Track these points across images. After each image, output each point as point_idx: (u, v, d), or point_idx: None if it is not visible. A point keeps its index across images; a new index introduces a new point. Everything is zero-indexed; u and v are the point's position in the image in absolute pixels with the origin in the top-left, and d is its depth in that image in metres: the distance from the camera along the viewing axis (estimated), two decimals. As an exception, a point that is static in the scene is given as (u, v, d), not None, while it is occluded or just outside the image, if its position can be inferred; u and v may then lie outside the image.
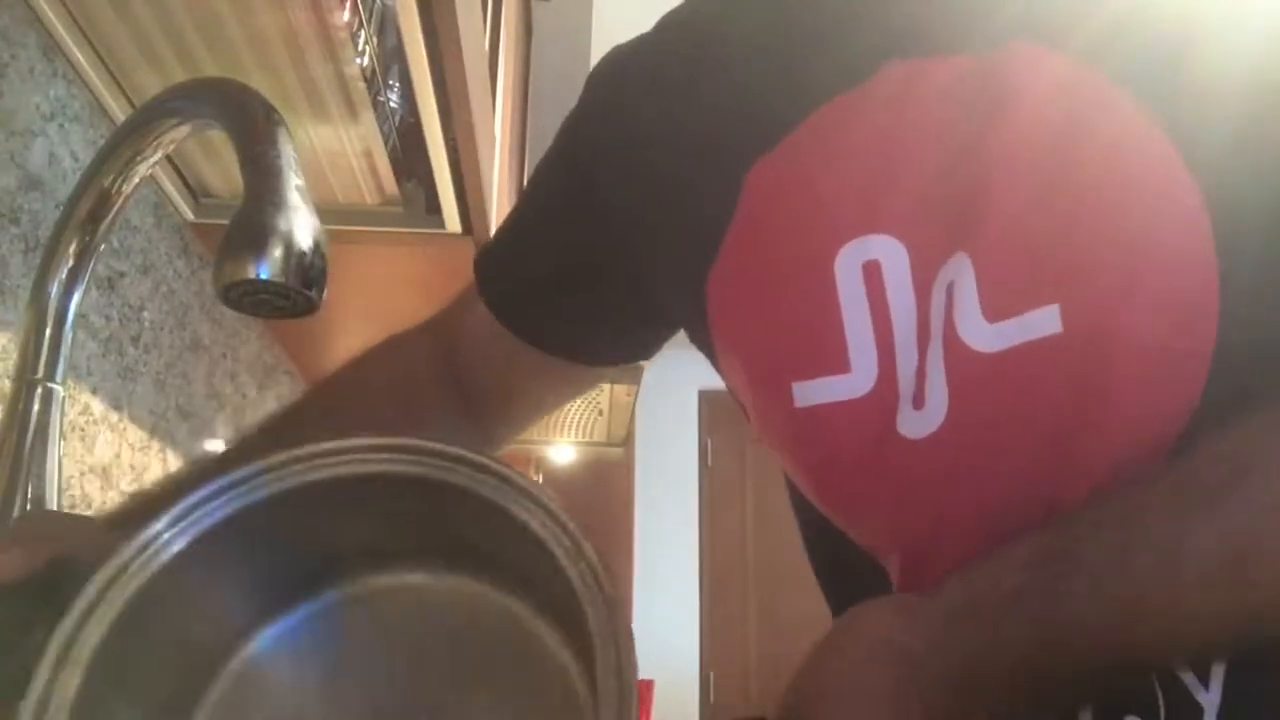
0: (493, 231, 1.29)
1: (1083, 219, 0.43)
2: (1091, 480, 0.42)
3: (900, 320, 0.46)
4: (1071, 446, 0.43)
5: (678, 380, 4.34)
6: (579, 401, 2.54)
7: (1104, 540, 0.39)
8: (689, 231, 0.55)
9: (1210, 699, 0.41)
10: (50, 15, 0.89)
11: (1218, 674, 0.41)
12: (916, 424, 0.46)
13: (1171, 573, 0.37)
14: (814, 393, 0.49)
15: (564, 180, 0.67)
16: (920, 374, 0.45)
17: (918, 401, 0.46)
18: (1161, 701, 0.41)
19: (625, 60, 0.68)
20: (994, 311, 0.43)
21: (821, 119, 0.50)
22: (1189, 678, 0.41)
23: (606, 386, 2.43)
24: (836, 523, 0.53)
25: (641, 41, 0.67)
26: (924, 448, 0.46)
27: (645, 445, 4.13)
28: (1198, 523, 0.37)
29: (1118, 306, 0.41)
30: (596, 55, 3.40)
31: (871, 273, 0.47)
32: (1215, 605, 0.37)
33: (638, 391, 2.45)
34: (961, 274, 0.44)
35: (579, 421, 2.66)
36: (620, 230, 0.61)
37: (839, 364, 0.48)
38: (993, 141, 0.45)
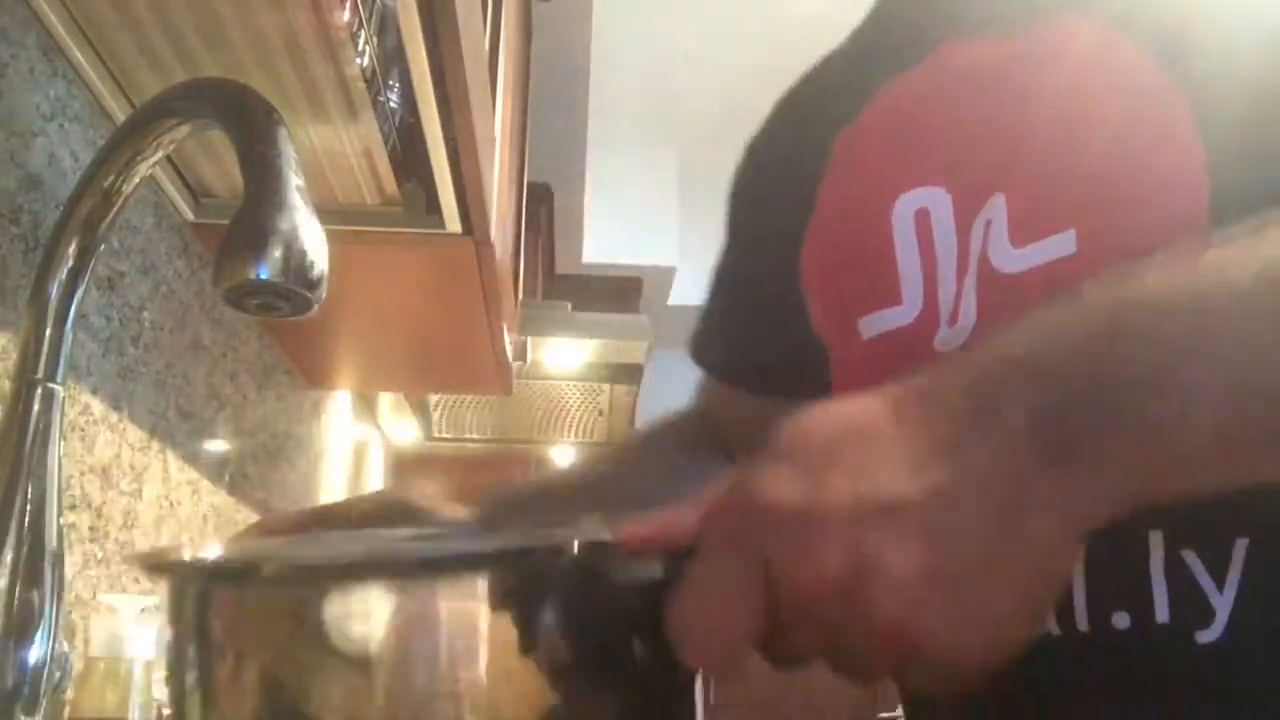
0: (493, 231, 1.30)
1: (1099, 159, 0.48)
2: None
3: (942, 256, 0.53)
4: None
5: (678, 380, 4.33)
6: (579, 401, 2.54)
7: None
8: (792, 201, 0.64)
9: (1223, 601, 0.43)
10: (50, 15, 0.89)
11: (1233, 579, 0.43)
12: (949, 339, 0.52)
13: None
14: (875, 324, 0.56)
15: (727, 248, 0.79)
16: (957, 298, 0.52)
17: (952, 320, 0.52)
18: (1166, 596, 0.44)
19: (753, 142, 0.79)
20: (1019, 238, 0.50)
21: (888, 93, 0.59)
22: (1204, 578, 0.43)
23: (606, 386, 2.44)
24: None
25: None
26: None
27: (645, 445, 4.13)
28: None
29: (1124, 229, 0.47)
30: (596, 55, 3.42)
31: (922, 218, 0.54)
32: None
33: (637, 392, 2.46)
34: (997, 211, 0.51)
35: (579, 422, 2.66)
36: (763, 240, 0.69)
37: (894, 297, 0.55)
38: (1029, 99, 0.52)
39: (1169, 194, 0.46)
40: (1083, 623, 0.47)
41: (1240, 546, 0.43)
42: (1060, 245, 0.48)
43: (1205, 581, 0.43)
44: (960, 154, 0.54)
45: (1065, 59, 0.51)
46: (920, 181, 0.55)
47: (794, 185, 0.64)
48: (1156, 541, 0.45)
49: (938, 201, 0.54)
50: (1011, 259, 0.50)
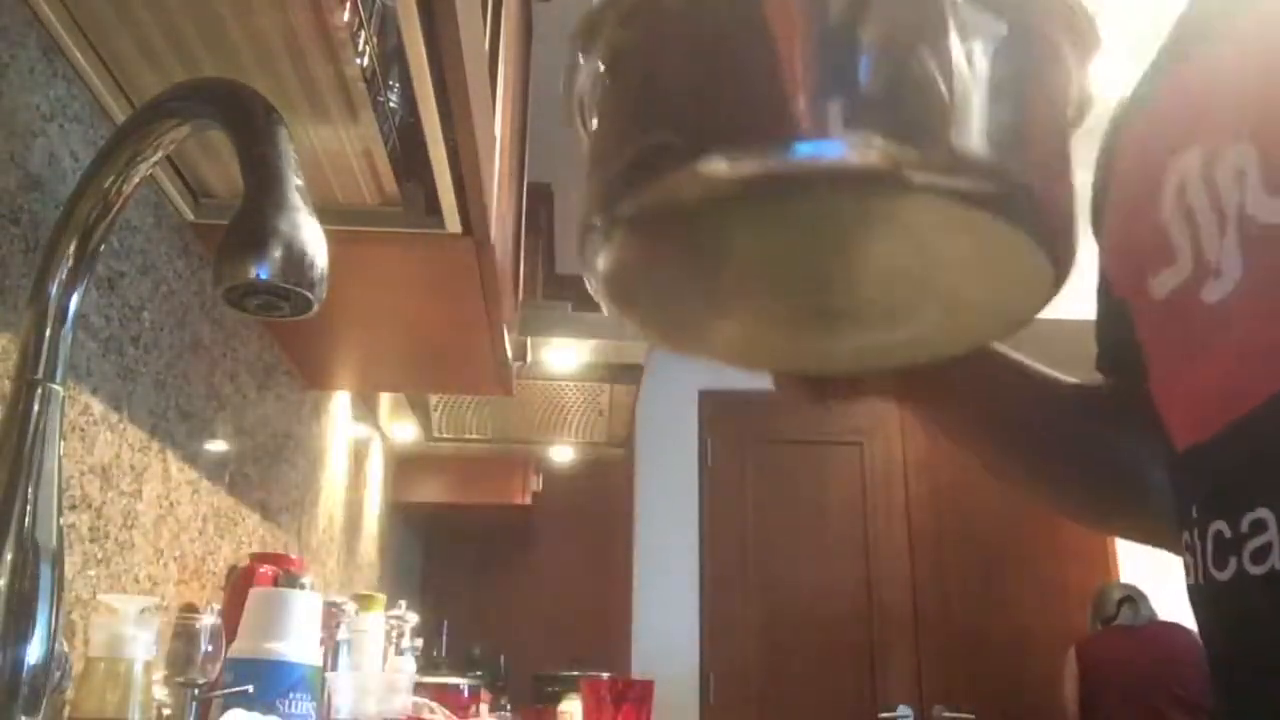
0: (493, 232, 1.29)
1: None
2: None
3: (1202, 212, 0.56)
4: None
5: (678, 380, 4.34)
6: (579, 401, 2.54)
7: None
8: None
9: None
10: (50, 16, 0.89)
11: None
12: (1215, 290, 0.54)
13: None
14: (1161, 285, 0.60)
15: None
16: (1219, 249, 0.54)
17: (1218, 271, 0.54)
18: None
19: None
20: (1272, 185, 0.51)
21: (1175, 70, 0.63)
22: None
23: (606, 386, 2.44)
24: (1166, 426, 0.62)
25: None
26: (1220, 308, 0.54)
27: (645, 445, 4.14)
28: None
29: None
30: (597, 53, 3.32)
31: (1184, 180, 0.57)
32: None
33: (638, 392, 2.46)
34: (1249, 162, 0.52)
35: (579, 422, 2.66)
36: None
37: (1170, 257, 0.58)
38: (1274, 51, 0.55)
39: None
40: None
41: None
42: None
43: None
44: (1213, 114, 0.57)
45: None
46: (1181, 145, 0.58)
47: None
48: None
49: (1190, 163, 0.57)
50: (1266, 207, 0.51)
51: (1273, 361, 0.51)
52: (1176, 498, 0.61)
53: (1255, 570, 0.50)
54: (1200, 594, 0.56)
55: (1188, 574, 0.58)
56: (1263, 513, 0.50)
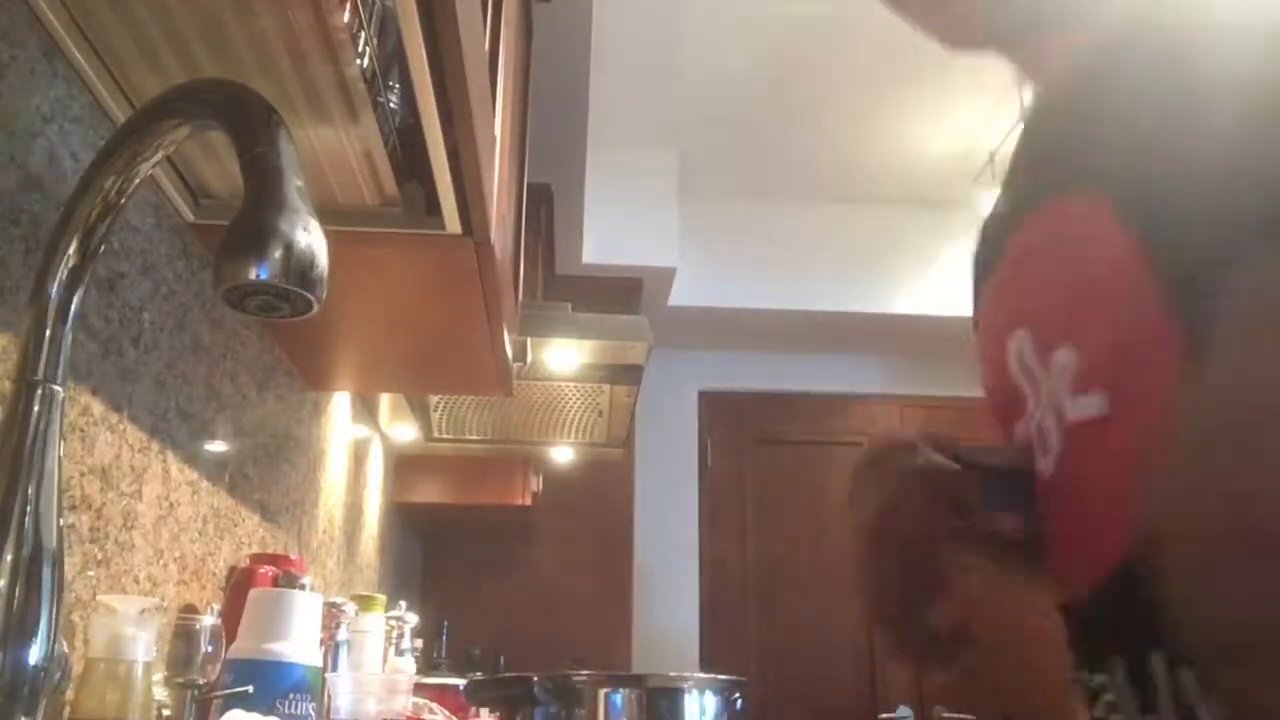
0: (493, 232, 1.29)
1: (1136, 329, 0.53)
2: (1112, 539, 0.54)
3: (1032, 386, 0.61)
4: (1098, 511, 0.56)
5: (678, 380, 4.34)
6: (579, 402, 2.54)
7: None
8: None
9: (1208, 710, 0.48)
10: (50, 16, 0.89)
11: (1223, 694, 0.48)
12: (1044, 463, 0.60)
13: None
14: (1019, 433, 0.65)
15: None
16: (1044, 430, 0.60)
17: (1044, 450, 0.60)
18: (1172, 709, 0.50)
19: None
20: (1075, 389, 0.56)
21: (1018, 238, 0.67)
22: (1195, 692, 0.49)
23: (606, 387, 2.43)
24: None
25: None
26: (1048, 485, 0.60)
27: (645, 445, 4.13)
28: None
29: (1147, 405, 0.52)
30: (596, 55, 3.40)
31: (1020, 354, 0.63)
32: None
33: (638, 392, 2.45)
34: (1068, 360, 0.57)
35: (579, 422, 2.66)
36: None
37: (1020, 414, 0.63)
38: (1068, 266, 0.60)
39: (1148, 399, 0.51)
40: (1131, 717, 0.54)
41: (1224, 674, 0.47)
42: (1095, 404, 0.54)
43: (1197, 696, 0.49)
44: (1039, 303, 0.62)
45: (1081, 238, 0.57)
46: (1020, 323, 0.63)
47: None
48: (1158, 660, 0.51)
49: (1025, 341, 0.62)
50: (1070, 405, 0.56)
51: (1089, 555, 0.56)
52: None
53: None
54: None
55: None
56: (1100, 678, 0.57)
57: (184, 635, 1.08)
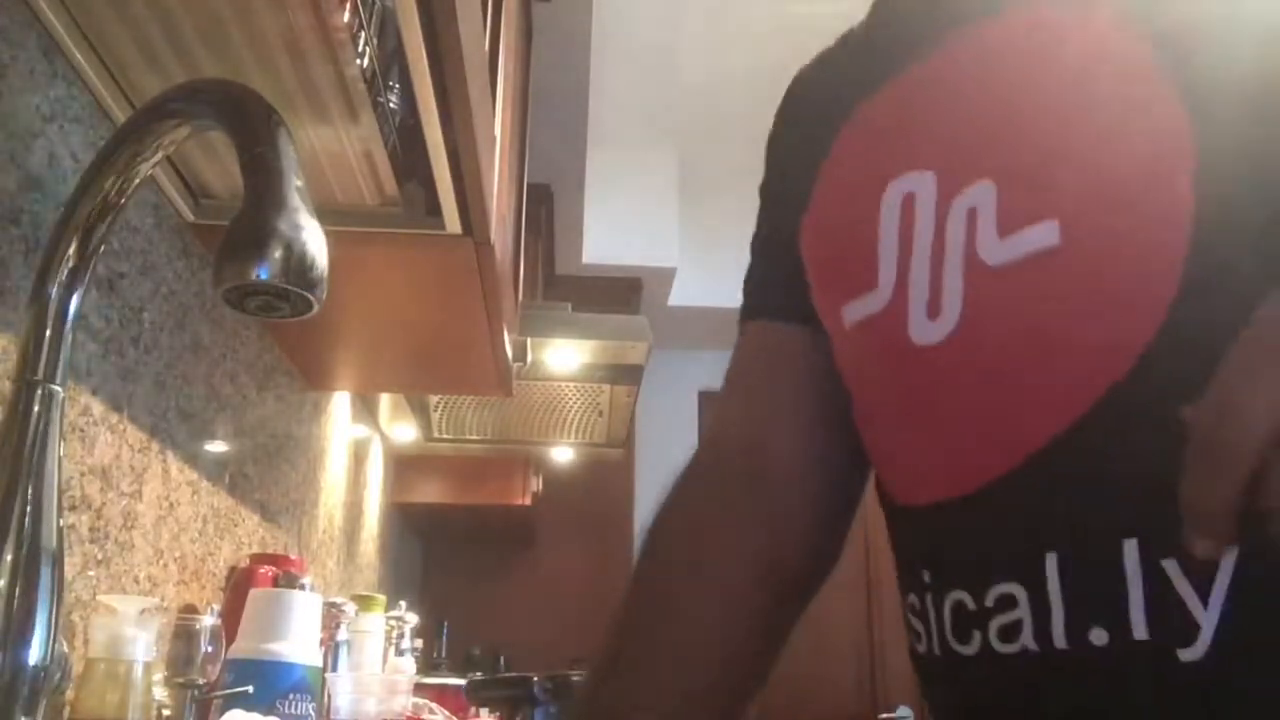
0: (493, 232, 1.29)
1: (1088, 150, 0.47)
2: (1081, 379, 0.45)
3: (920, 238, 0.51)
4: (1065, 352, 0.46)
5: (678, 380, 4.34)
6: (579, 402, 2.54)
7: None
8: (797, 187, 0.64)
9: (1208, 616, 0.40)
10: (50, 16, 0.88)
11: (1219, 591, 0.40)
12: (930, 331, 0.50)
13: None
14: (854, 311, 0.55)
15: (762, 190, 0.74)
16: (935, 286, 0.50)
17: (932, 311, 0.50)
18: (1144, 611, 0.41)
19: (799, 74, 0.76)
20: (1005, 228, 0.48)
21: (895, 86, 0.58)
22: (1186, 590, 0.40)
23: (606, 387, 2.43)
24: (880, 474, 0.57)
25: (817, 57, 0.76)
26: (935, 354, 0.50)
27: (645, 445, 4.13)
28: None
29: (1106, 226, 0.45)
30: (596, 55, 3.41)
31: (907, 203, 0.53)
32: None
33: (637, 392, 2.45)
34: (984, 198, 0.49)
35: (579, 423, 2.66)
36: (781, 204, 0.68)
37: (871, 282, 0.54)
38: (1023, 86, 0.50)
39: (1155, 195, 0.45)
40: (1060, 638, 0.44)
41: (1229, 555, 0.39)
42: (1043, 235, 0.46)
43: (1187, 593, 0.40)
44: (950, 137, 0.53)
45: (1064, 49, 0.49)
46: (910, 166, 0.53)
47: (798, 174, 0.63)
48: (1131, 549, 0.42)
49: (924, 184, 0.52)
50: (996, 250, 0.48)
51: (1013, 428, 0.47)
52: (898, 554, 0.56)
53: (1004, 649, 0.46)
54: (936, 665, 0.51)
55: (917, 640, 0.54)
56: (1010, 588, 0.46)
57: (184, 635, 1.08)
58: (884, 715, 4.00)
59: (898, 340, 0.51)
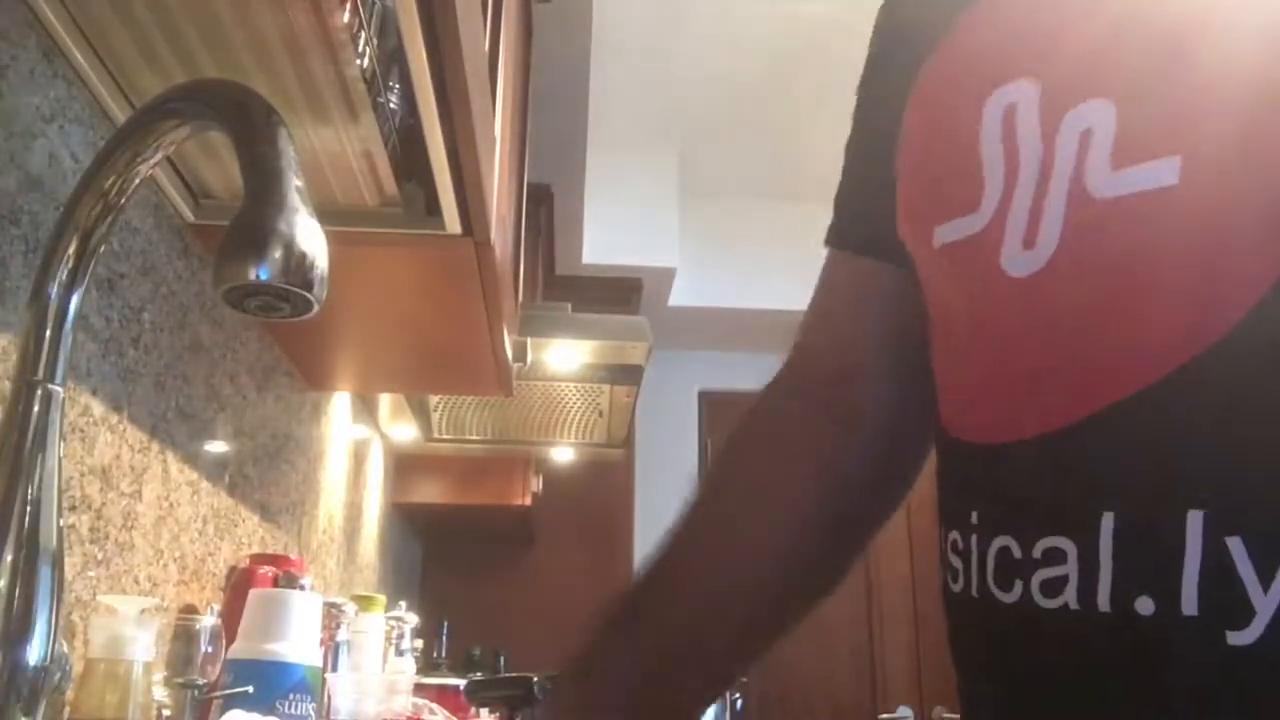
0: (493, 232, 1.29)
1: (1220, 78, 0.42)
2: (1178, 334, 0.41)
3: (1026, 157, 0.47)
4: (1164, 302, 0.42)
5: (678, 380, 4.34)
6: (579, 402, 2.54)
7: None
8: (894, 99, 0.59)
9: (1267, 600, 0.37)
10: (50, 17, 0.89)
11: None
12: (1022, 262, 0.46)
13: None
14: (947, 233, 0.51)
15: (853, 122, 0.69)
16: (1035, 213, 0.46)
17: (1029, 240, 0.46)
18: (1197, 586, 0.39)
19: None
20: (1120, 158, 0.43)
21: None
22: (1247, 570, 0.38)
23: (606, 387, 2.43)
24: (943, 403, 0.54)
25: None
26: (1024, 286, 0.46)
27: (645, 445, 4.13)
28: None
29: (1233, 168, 0.41)
30: (596, 55, 3.41)
31: (1009, 115, 0.48)
32: None
33: (637, 392, 2.45)
34: (1102, 120, 0.44)
35: (579, 423, 2.66)
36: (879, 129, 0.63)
37: (972, 203, 0.49)
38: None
39: None
40: (1104, 601, 0.42)
41: None
42: (1161, 173, 0.42)
43: (1248, 574, 0.38)
44: (1060, 46, 0.47)
45: None
46: (1013, 76, 0.49)
47: (896, 85, 0.59)
48: (1195, 521, 0.39)
49: (1027, 95, 0.47)
50: (1107, 181, 0.44)
51: (1094, 377, 0.44)
52: (944, 487, 0.54)
53: (1045, 603, 0.44)
54: (971, 606, 0.50)
55: (953, 579, 0.52)
56: (1059, 541, 0.44)
57: (184, 635, 1.08)
58: (884, 715, 4.00)
59: (989, 268, 0.48)
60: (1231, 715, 0.39)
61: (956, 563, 0.51)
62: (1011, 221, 0.47)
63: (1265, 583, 0.38)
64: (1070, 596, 0.43)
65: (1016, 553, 0.46)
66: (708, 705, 0.67)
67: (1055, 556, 0.44)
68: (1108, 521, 0.42)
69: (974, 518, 0.50)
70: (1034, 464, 0.47)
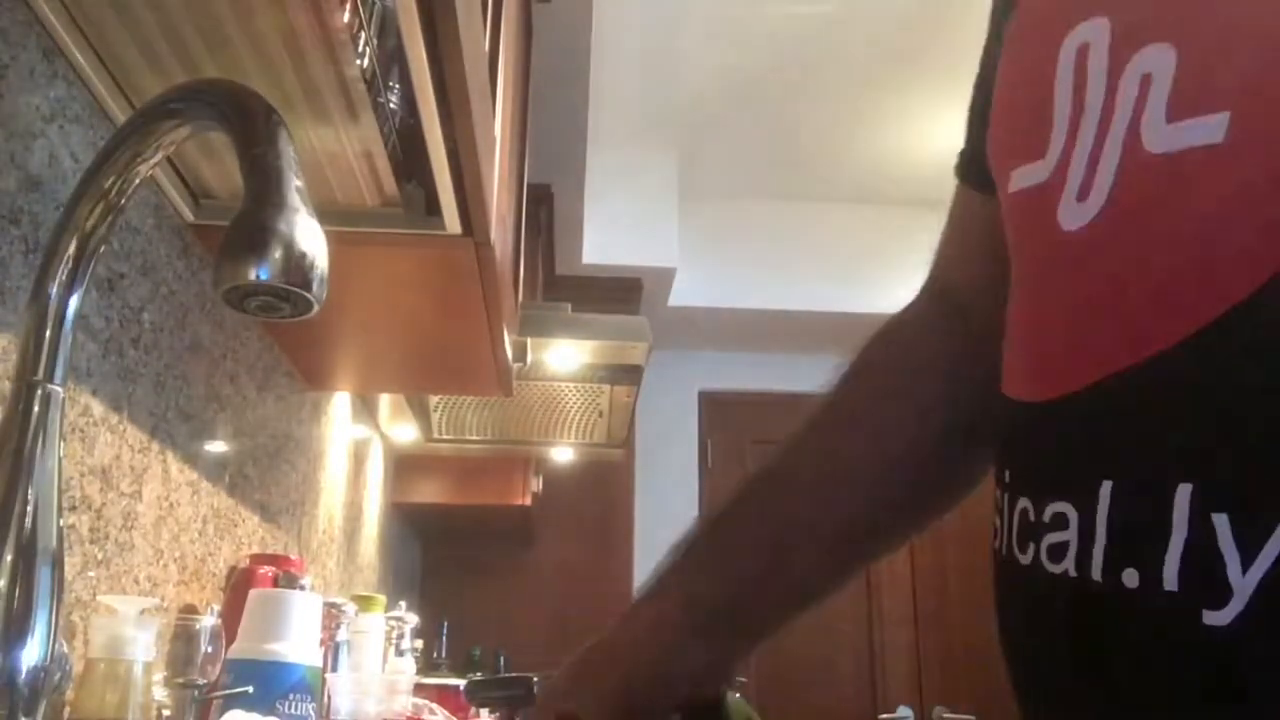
0: (493, 233, 1.29)
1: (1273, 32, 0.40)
2: (1185, 305, 0.40)
3: (1090, 103, 0.45)
4: (1210, 264, 0.40)
5: (678, 380, 4.34)
6: (579, 402, 2.54)
7: None
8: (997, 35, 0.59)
9: (1245, 581, 0.36)
10: (50, 17, 0.88)
11: (1267, 558, 0.36)
12: (1074, 215, 0.45)
13: None
14: (1020, 178, 0.50)
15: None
16: (1092, 164, 0.44)
17: (1083, 192, 0.45)
18: (1179, 563, 0.38)
19: None
20: (1175, 110, 0.41)
21: None
22: (1229, 549, 0.37)
23: (606, 387, 2.43)
24: (1002, 362, 0.53)
25: None
26: (1071, 241, 0.45)
27: (645, 445, 4.13)
28: None
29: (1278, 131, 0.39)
30: (596, 55, 3.41)
31: (1081, 55, 0.46)
32: None
33: (637, 392, 2.45)
34: (1162, 65, 0.42)
35: (579, 423, 2.66)
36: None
37: (1040, 149, 0.48)
38: None
39: None
40: (1097, 571, 0.41)
41: None
42: (1209, 130, 0.40)
43: (1230, 553, 0.37)
44: None
45: None
46: (1089, 13, 0.46)
47: (1003, 6, 0.58)
48: (1184, 495, 0.38)
49: (1099, 34, 0.45)
50: (1160, 134, 0.41)
51: (1108, 340, 0.43)
52: (995, 445, 0.53)
53: (1051, 567, 0.44)
54: (1004, 567, 0.50)
55: (994, 536, 0.51)
56: (1064, 507, 0.44)
57: (184, 636, 1.08)
58: (884, 715, 4.00)
59: (1046, 219, 0.46)
60: (1201, 697, 0.38)
61: (995, 521, 0.51)
62: (1072, 171, 0.46)
63: (1246, 563, 0.36)
64: (1070, 564, 0.43)
65: (1031, 515, 0.46)
66: (785, 624, 0.68)
67: (1060, 522, 0.44)
68: (1106, 489, 0.42)
69: (1006, 476, 0.50)
70: (1051, 426, 0.46)
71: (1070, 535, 0.43)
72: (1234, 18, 0.41)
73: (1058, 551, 0.44)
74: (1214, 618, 0.37)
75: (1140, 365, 0.41)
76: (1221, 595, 0.37)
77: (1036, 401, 0.48)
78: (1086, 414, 0.44)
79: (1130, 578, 0.40)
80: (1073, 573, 0.43)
